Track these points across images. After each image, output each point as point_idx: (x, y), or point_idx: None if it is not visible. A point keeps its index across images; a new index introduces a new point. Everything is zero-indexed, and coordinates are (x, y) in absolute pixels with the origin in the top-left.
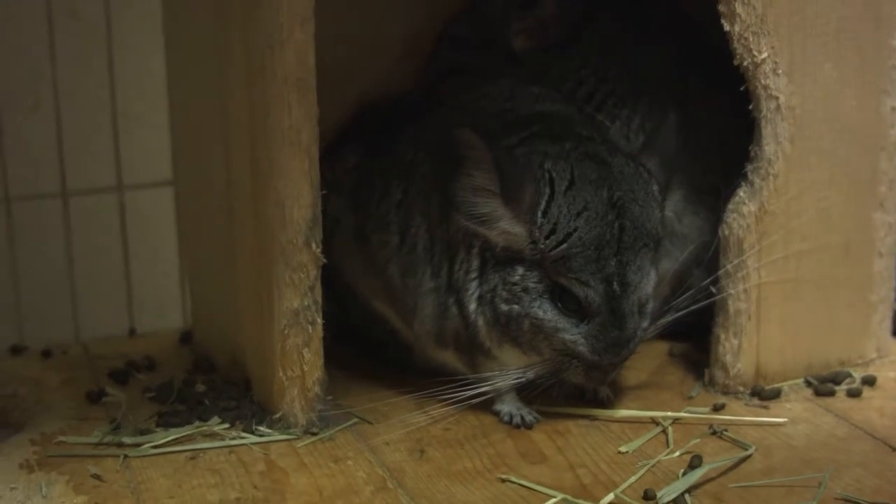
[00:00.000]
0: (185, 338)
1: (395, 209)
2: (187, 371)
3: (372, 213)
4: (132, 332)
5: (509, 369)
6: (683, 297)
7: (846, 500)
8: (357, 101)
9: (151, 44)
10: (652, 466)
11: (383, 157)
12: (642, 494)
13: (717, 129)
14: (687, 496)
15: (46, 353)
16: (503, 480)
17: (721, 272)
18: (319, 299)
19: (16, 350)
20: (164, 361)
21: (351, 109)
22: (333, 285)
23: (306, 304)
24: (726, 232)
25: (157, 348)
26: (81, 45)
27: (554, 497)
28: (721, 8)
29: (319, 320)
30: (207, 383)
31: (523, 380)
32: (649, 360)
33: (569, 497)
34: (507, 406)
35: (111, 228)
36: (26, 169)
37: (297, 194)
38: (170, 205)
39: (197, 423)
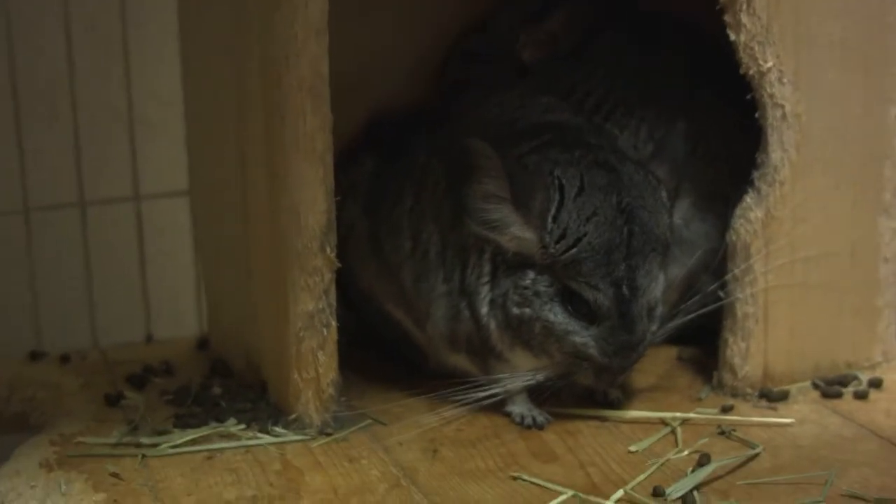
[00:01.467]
0: (202, 343)
1: (408, 215)
2: (204, 375)
3: (385, 219)
4: (149, 339)
5: (520, 372)
6: (692, 301)
7: (852, 497)
8: (369, 112)
9: (167, 55)
10: (661, 465)
11: (397, 164)
12: (651, 491)
13: (724, 136)
14: (695, 493)
15: (65, 359)
16: (515, 478)
17: (729, 277)
18: (334, 303)
19: (35, 356)
20: (181, 366)
21: (363, 120)
22: (348, 290)
23: (321, 307)
24: (734, 237)
25: (173, 354)
26: (99, 57)
27: (565, 494)
28: (727, 18)
29: (334, 323)
30: (224, 386)
31: (534, 382)
32: (658, 363)
33: (580, 494)
34: (519, 407)
35: (128, 237)
36: (45, 179)
37: (312, 200)
38: (185, 214)
39: (213, 424)
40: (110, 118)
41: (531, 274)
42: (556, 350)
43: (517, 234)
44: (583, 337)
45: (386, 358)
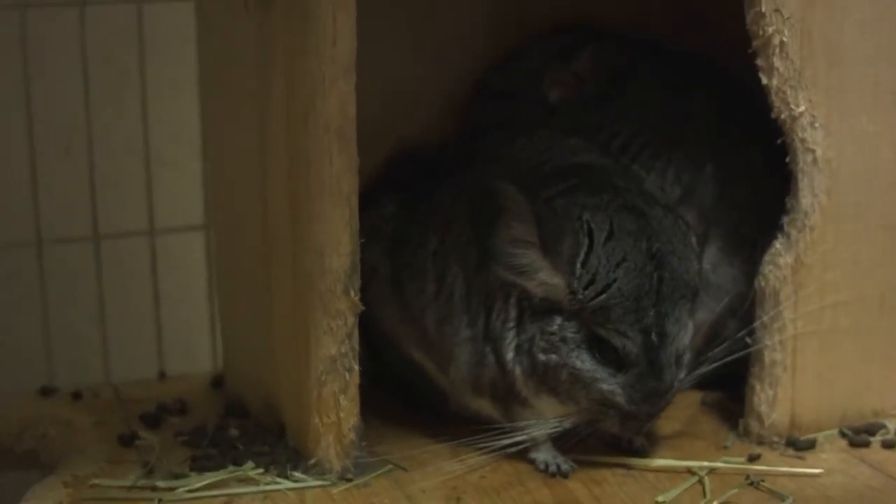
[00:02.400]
0: (216, 381)
1: (432, 258)
2: (219, 415)
3: (408, 262)
4: (162, 375)
5: (546, 418)
6: (719, 348)
7: None
8: (393, 150)
9: (185, 89)
10: None
11: (421, 206)
12: None
13: (752, 180)
14: None
15: (77, 395)
16: None
17: (757, 323)
18: (357, 346)
19: (46, 391)
20: (196, 405)
21: (387, 158)
22: (369, 332)
23: (343, 351)
24: (762, 283)
25: (188, 391)
26: (115, 91)
27: None
28: (759, 62)
29: (356, 367)
30: (240, 428)
31: (560, 429)
32: (683, 408)
33: None
34: (543, 454)
35: (142, 272)
36: (58, 212)
37: (337, 242)
38: (200, 249)
39: (231, 467)
40: (125, 152)
41: (558, 319)
42: (583, 397)
43: (545, 279)
44: (610, 384)
45: (407, 402)
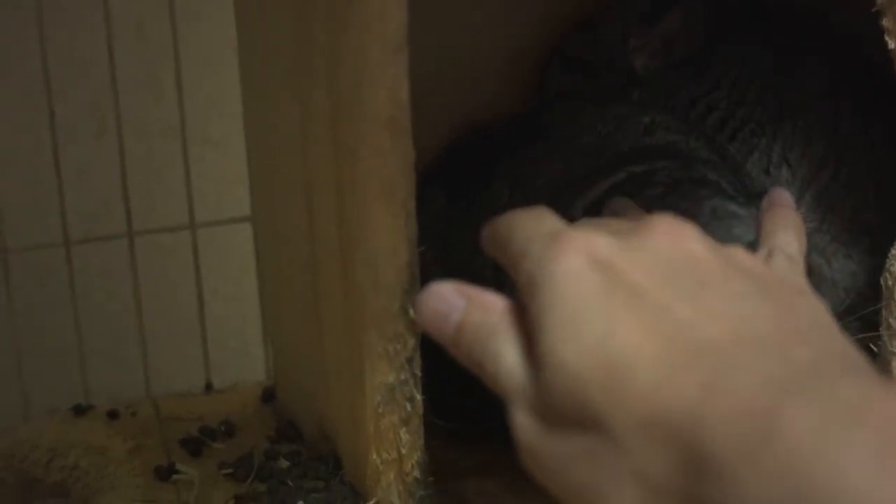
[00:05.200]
0: (268, 395)
1: (493, 266)
2: (269, 438)
3: (463, 270)
4: (209, 387)
5: None
6: None
7: None
8: (455, 128)
9: (225, 63)
10: None
11: (473, 200)
12: None
13: (871, 158)
14: None
15: (113, 414)
16: None
17: (883, 328)
18: (419, 373)
19: (79, 410)
20: (244, 425)
21: (447, 137)
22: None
23: (403, 378)
24: (889, 281)
25: (236, 407)
26: (147, 66)
27: None
28: (885, 23)
29: (419, 397)
30: (291, 457)
31: None
32: None
33: None
34: None
35: (184, 269)
36: (87, 206)
37: (392, 253)
38: (248, 242)
39: None
40: (160, 134)
41: None
42: None
43: None
44: None
45: (482, 428)
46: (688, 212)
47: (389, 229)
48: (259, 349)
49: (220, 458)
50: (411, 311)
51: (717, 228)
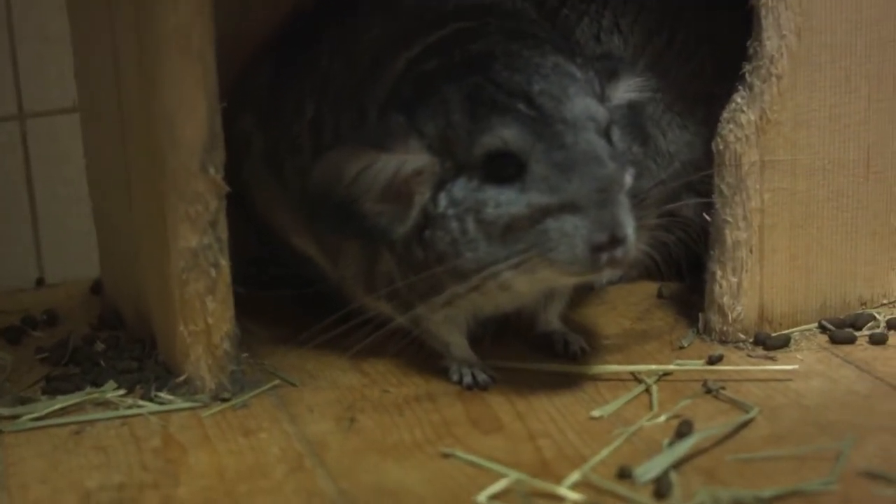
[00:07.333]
0: (97, 287)
1: (309, 127)
2: (91, 326)
3: (284, 133)
4: (40, 283)
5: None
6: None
7: (871, 476)
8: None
9: None
10: (631, 435)
11: (298, 68)
12: (617, 472)
13: (708, 25)
14: (672, 473)
15: None
16: (446, 456)
17: (715, 195)
18: (224, 237)
19: None
20: (68, 316)
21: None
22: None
23: (206, 242)
24: (721, 146)
25: (64, 300)
26: None
27: (506, 477)
28: None
29: (224, 262)
30: (109, 341)
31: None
32: (634, 303)
33: (525, 476)
34: (458, 358)
35: (13, 162)
36: None
37: (190, 108)
38: (77, 133)
39: (89, 388)
40: None
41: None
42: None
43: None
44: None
45: (299, 302)
46: (531, 60)
47: (186, 82)
48: (92, 243)
49: (38, 345)
50: (212, 170)
51: (554, 84)
